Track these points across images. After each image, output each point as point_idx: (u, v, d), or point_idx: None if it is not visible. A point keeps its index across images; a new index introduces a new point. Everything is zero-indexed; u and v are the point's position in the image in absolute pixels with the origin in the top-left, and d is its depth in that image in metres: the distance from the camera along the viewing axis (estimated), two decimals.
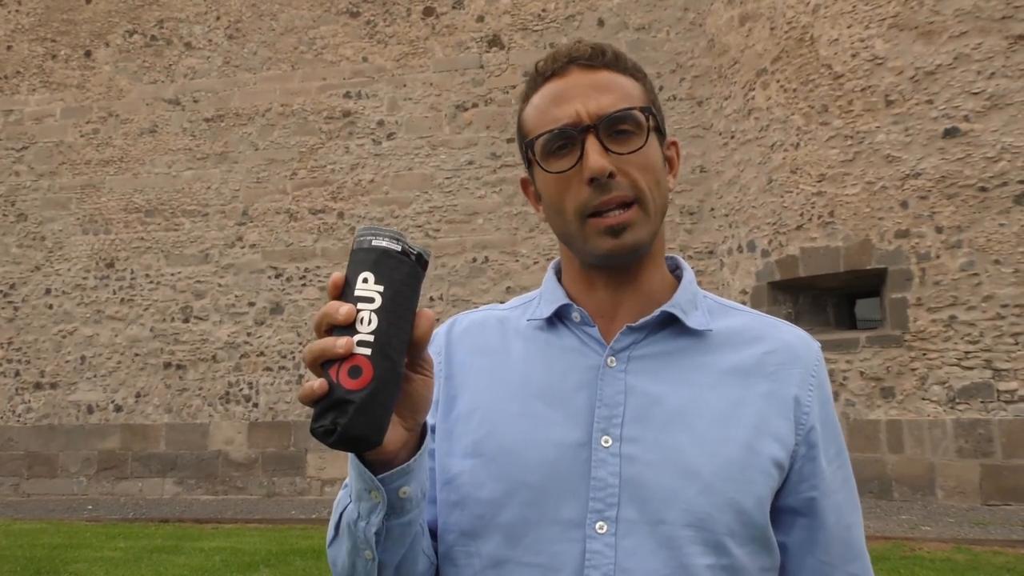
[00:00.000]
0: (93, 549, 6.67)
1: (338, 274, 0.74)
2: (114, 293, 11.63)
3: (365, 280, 0.72)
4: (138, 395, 11.32)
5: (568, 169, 0.88)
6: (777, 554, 0.87)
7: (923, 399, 8.32)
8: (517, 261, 10.80)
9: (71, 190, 11.99)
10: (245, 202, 11.55)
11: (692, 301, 0.92)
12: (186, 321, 11.40)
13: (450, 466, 0.90)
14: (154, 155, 11.89)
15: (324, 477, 10.70)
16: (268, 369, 11.09)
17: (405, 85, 11.40)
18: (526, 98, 0.95)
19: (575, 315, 0.91)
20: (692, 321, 0.90)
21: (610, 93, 0.89)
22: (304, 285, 11.21)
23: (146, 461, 11.11)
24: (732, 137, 10.40)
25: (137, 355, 11.42)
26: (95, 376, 11.46)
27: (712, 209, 10.65)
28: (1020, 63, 8.08)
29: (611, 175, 0.86)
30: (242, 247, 11.45)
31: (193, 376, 11.24)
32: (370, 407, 0.70)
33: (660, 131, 0.93)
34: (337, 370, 0.70)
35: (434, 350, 0.95)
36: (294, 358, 11.07)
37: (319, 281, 11.19)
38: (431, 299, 10.89)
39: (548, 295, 0.94)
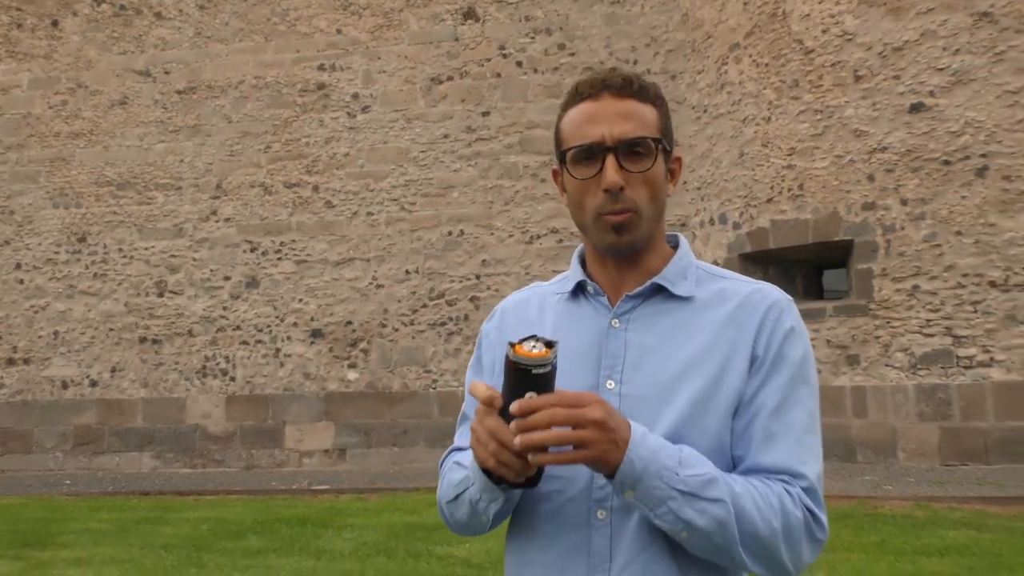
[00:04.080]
0: (78, 522, 6.73)
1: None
2: (87, 268, 11.54)
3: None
4: (113, 370, 11.30)
5: (590, 177, 1.10)
6: (731, 464, 1.07)
7: (886, 366, 8.61)
8: (492, 234, 10.90)
9: (40, 163, 11.82)
10: (219, 175, 11.49)
11: (682, 272, 1.15)
12: (161, 296, 11.37)
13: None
14: (125, 127, 11.75)
15: (302, 449, 10.80)
16: (245, 343, 11.12)
17: (380, 58, 11.37)
18: (565, 109, 1.15)
19: (589, 288, 1.16)
20: (678, 289, 1.13)
21: (631, 121, 1.09)
22: (280, 259, 11.22)
23: (123, 436, 11.12)
24: (705, 111, 10.55)
25: (112, 330, 11.38)
26: (69, 351, 11.40)
27: (685, 182, 10.81)
28: (984, 40, 8.31)
29: (621, 188, 1.08)
30: (216, 221, 11.41)
31: (169, 351, 11.24)
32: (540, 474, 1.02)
33: (667, 151, 1.13)
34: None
35: (492, 324, 1.24)
36: (271, 332, 11.11)
37: (294, 255, 11.21)
38: (407, 272, 10.97)
39: (572, 274, 1.19)
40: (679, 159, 1.18)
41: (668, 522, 0.98)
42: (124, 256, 11.51)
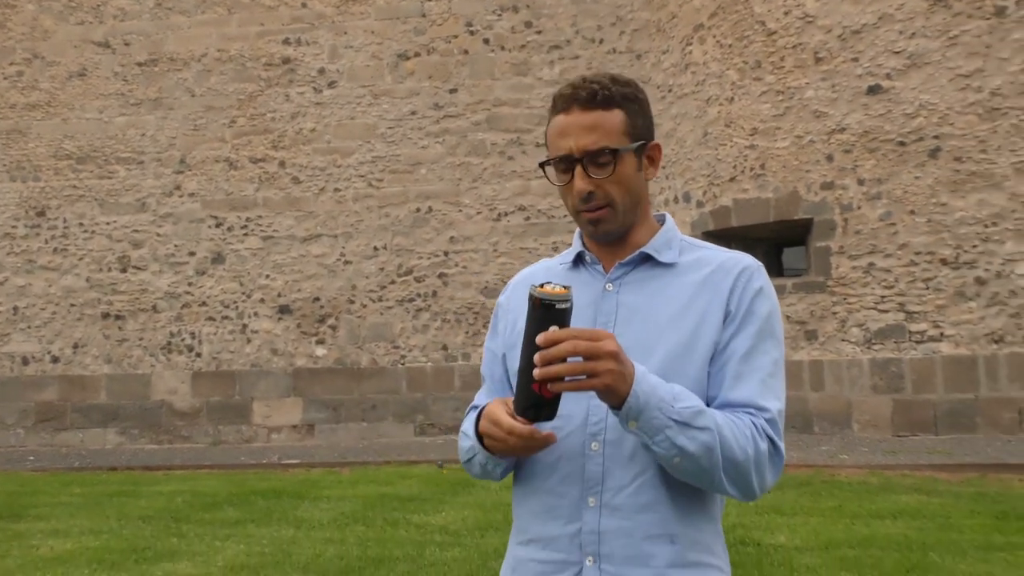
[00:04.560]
0: (48, 495, 6.72)
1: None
2: (46, 242, 11.35)
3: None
4: (76, 346, 11.17)
5: (566, 183, 1.29)
6: (707, 403, 1.22)
7: (843, 340, 8.93)
8: (460, 211, 10.98)
9: None
10: (182, 150, 11.35)
11: (667, 243, 1.32)
12: (124, 271, 11.24)
13: (514, 364, 1.25)
14: (84, 100, 11.53)
15: (270, 424, 10.83)
16: (211, 319, 11.07)
17: (346, 32, 11.30)
18: (550, 118, 1.32)
19: (587, 258, 1.34)
20: (663, 257, 1.30)
21: (595, 133, 1.24)
22: (246, 235, 11.16)
23: (86, 412, 11.03)
24: (670, 91, 10.71)
25: (73, 305, 11.23)
26: (29, 327, 11.23)
27: None
28: (938, 24, 8.58)
29: (591, 193, 1.25)
30: (180, 196, 11.29)
31: (133, 326, 11.14)
32: (555, 405, 1.14)
33: (639, 144, 1.28)
34: (539, 387, 1.10)
35: (505, 296, 1.42)
36: (237, 308, 11.07)
37: (261, 231, 11.16)
38: (375, 248, 11.01)
39: (573, 248, 1.38)
40: (657, 146, 1.31)
41: (664, 448, 1.13)
42: (85, 231, 11.34)
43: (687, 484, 1.20)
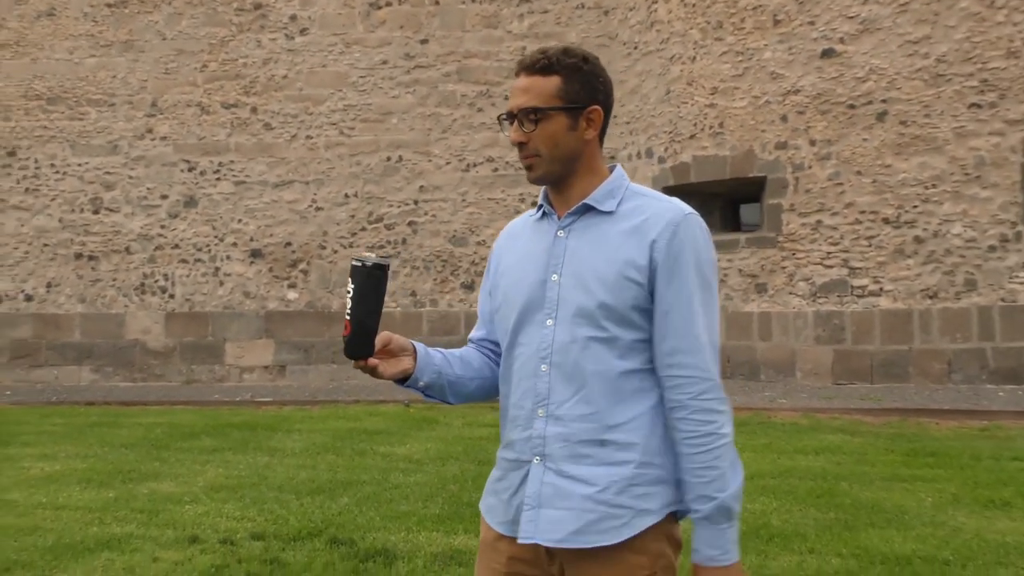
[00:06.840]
0: (32, 425, 7.05)
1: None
2: (17, 182, 11.44)
3: (350, 285, 1.45)
4: (49, 285, 11.37)
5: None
6: (645, 328, 1.45)
7: (790, 294, 9.46)
8: (430, 161, 11.24)
9: None
10: (154, 93, 11.43)
11: (609, 193, 1.49)
12: (96, 212, 11.40)
13: (496, 298, 1.61)
14: (53, 40, 11.52)
15: (243, 365, 11.18)
16: (184, 261, 11.30)
17: None
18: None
19: (547, 210, 1.56)
20: (602, 207, 1.48)
21: (527, 95, 1.48)
22: (219, 179, 11.34)
23: (61, 350, 11.29)
24: (635, 48, 10.98)
25: (46, 245, 11.39)
26: (2, 266, 11.39)
27: (615, 116, 11.27)
28: None
29: (522, 143, 1.48)
30: (152, 139, 11.41)
31: (106, 267, 11.35)
32: (351, 343, 1.43)
33: (572, 107, 1.47)
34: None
35: (496, 243, 1.69)
36: (210, 251, 11.31)
37: (233, 176, 11.34)
38: (346, 196, 11.27)
39: (541, 201, 1.59)
40: (596, 110, 1.48)
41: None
42: (56, 172, 11.44)
43: (621, 398, 1.42)
